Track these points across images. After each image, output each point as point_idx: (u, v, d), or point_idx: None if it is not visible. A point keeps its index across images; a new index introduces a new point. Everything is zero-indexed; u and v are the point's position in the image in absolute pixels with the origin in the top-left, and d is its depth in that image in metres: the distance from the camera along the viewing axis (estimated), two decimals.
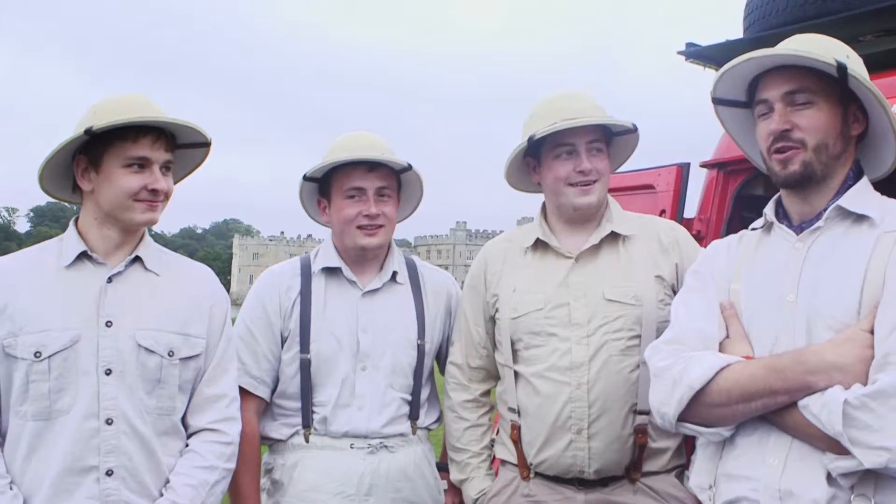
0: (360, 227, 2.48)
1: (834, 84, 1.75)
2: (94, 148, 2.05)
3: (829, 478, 1.57)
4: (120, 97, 2.12)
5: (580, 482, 2.29)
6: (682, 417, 1.74)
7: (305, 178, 2.55)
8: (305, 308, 2.49)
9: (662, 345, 1.85)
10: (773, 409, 1.65)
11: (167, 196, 2.12)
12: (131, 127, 2.02)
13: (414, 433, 2.52)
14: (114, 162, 2.04)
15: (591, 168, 2.31)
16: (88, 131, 2.00)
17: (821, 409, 1.55)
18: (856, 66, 1.76)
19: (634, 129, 2.39)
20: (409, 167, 2.51)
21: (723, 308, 1.85)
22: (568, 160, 2.32)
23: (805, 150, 1.75)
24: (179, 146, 2.17)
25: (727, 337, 1.82)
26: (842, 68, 1.70)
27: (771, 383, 1.63)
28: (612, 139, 2.43)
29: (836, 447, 1.55)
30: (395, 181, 2.55)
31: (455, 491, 2.63)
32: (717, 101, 1.97)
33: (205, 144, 2.22)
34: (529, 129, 2.35)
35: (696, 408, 1.72)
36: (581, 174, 2.31)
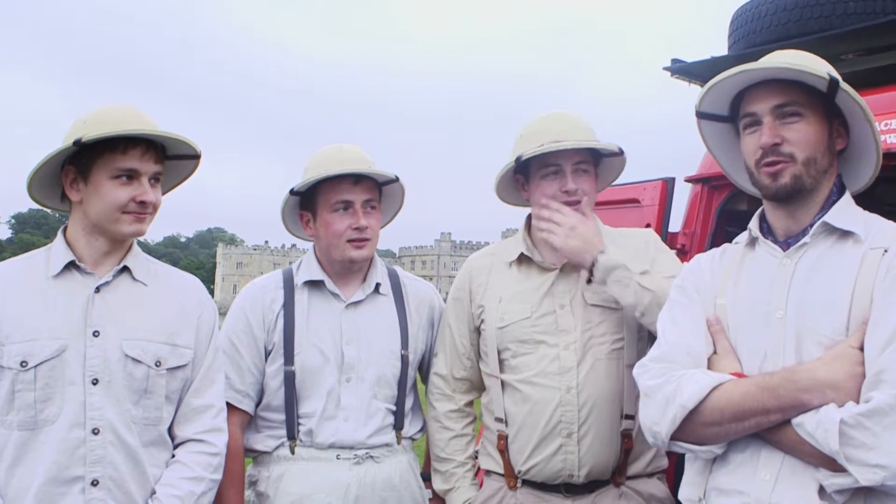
0: (350, 241, 2.49)
1: (820, 99, 1.77)
2: (82, 158, 2.05)
3: (821, 492, 1.58)
4: (110, 108, 2.11)
5: (567, 489, 2.31)
6: (675, 436, 1.74)
7: (292, 192, 2.54)
8: (289, 321, 2.49)
9: (651, 363, 1.84)
10: (767, 427, 1.65)
11: (155, 208, 2.12)
12: (121, 138, 2.02)
13: (399, 443, 2.53)
14: (102, 173, 2.04)
15: (576, 188, 2.36)
16: (78, 142, 2.00)
17: (816, 428, 1.55)
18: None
19: (621, 153, 2.42)
20: (396, 179, 2.53)
21: (709, 323, 1.85)
22: (554, 180, 2.37)
23: (795, 164, 1.75)
24: (169, 157, 2.17)
25: (714, 352, 1.82)
26: (833, 82, 1.71)
27: (764, 402, 1.63)
28: (600, 159, 2.47)
29: (830, 464, 1.55)
30: (378, 193, 2.57)
31: (439, 501, 2.64)
32: (700, 115, 1.97)
33: (195, 157, 2.22)
34: (519, 148, 2.40)
35: (689, 427, 1.71)
36: (566, 194, 2.36)
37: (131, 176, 2.05)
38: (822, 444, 1.54)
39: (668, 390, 1.74)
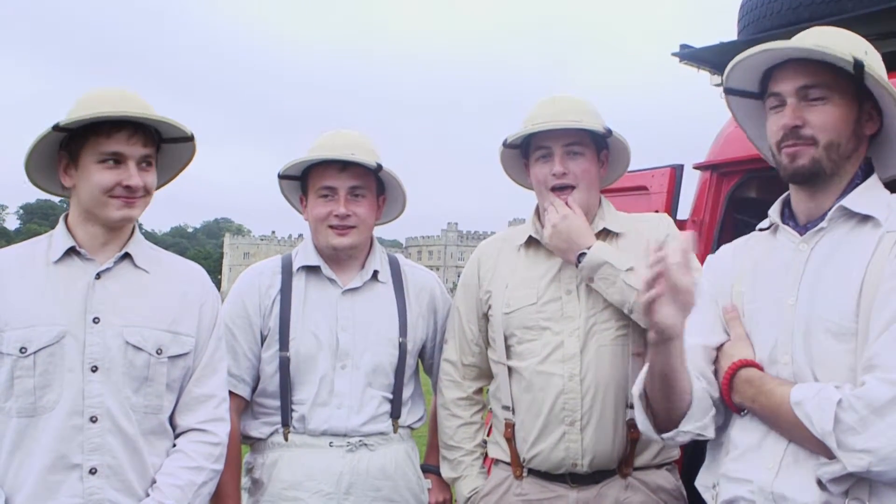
0: (331, 227, 2.47)
1: (850, 81, 1.70)
2: (72, 143, 2.03)
3: (821, 482, 1.57)
4: (97, 90, 2.08)
5: (572, 478, 2.29)
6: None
7: (280, 176, 2.55)
8: (285, 306, 2.48)
9: None
10: (769, 406, 1.65)
11: (148, 192, 2.08)
12: (105, 121, 1.99)
13: (395, 432, 2.51)
14: (89, 157, 2.02)
15: (565, 171, 2.33)
16: (56, 127, 1.98)
17: (814, 408, 1.54)
18: (874, 62, 1.72)
19: (609, 134, 2.35)
20: (380, 167, 2.48)
21: (725, 311, 1.85)
22: (545, 164, 2.36)
23: (816, 148, 1.70)
24: (165, 141, 2.14)
25: (729, 339, 1.81)
26: (859, 65, 1.65)
27: None
28: (604, 143, 2.42)
29: (824, 450, 1.54)
30: (373, 181, 2.54)
31: (439, 491, 2.63)
32: (728, 91, 1.92)
33: (187, 139, 2.17)
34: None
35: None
36: (555, 177, 2.34)
37: (118, 160, 2.02)
38: (815, 425, 1.53)
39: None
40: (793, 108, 1.72)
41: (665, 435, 1.82)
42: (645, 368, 1.81)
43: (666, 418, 1.81)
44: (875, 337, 1.55)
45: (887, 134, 1.79)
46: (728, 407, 1.78)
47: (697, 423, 1.77)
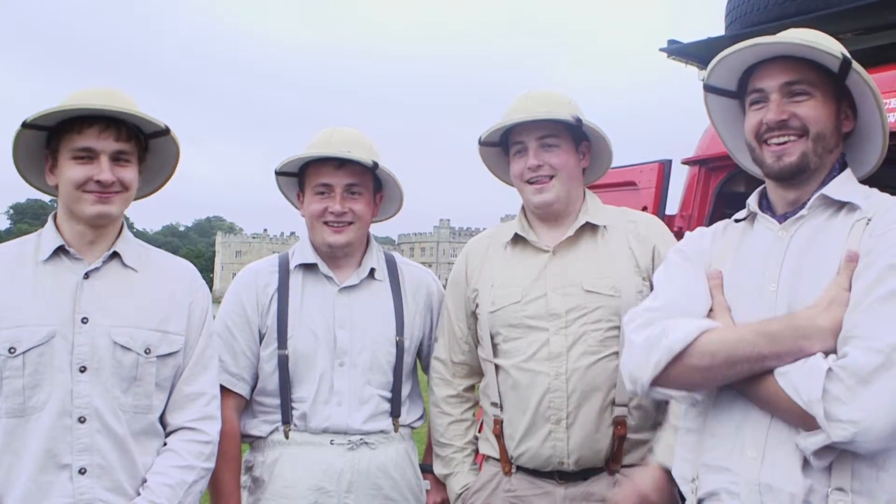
0: (326, 224, 2.48)
1: (829, 79, 1.74)
2: (52, 142, 2.04)
3: (805, 469, 1.58)
4: (83, 89, 2.08)
5: (560, 475, 2.30)
6: (656, 382, 1.71)
7: (277, 172, 2.55)
8: (283, 304, 2.48)
9: (641, 311, 1.83)
10: (751, 376, 1.63)
11: (125, 187, 2.06)
12: (77, 117, 1.99)
13: (396, 430, 2.51)
14: (64, 154, 2.03)
15: (539, 164, 2.33)
16: (24, 124, 2.00)
17: (802, 378, 1.54)
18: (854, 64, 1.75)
19: (578, 124, 2.33)
20: (376, 165, 2.47)
21: (709, 276, 1.84)
22: (521, 158, 2.37)
23: (806, 140, 1.73)
24: (151, 137, 2.13)
25: (711, 310, 1.80)
26: (846, 62, 1.69)
27: (760, 348, 1.61)
28: (582, 136, 2.40)
29: (807, 421, 1.54)
30: (370, 178, 2.53)
31: (438, 491, 2.63)
32: (707, 89, 1.94)
33: (164, 132, 2.13)
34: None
35: (675, 371, 1.68)
36: (530, 170, 2.34)
37: (91, 156, 2.01)
38: (802, 395, 1.53)
39: (652, 334, 1.72)
40: (777, 104, 1.75)
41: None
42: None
43: None
44: (853, 308, 1.56)
45: (860, 132, 1.83)
46: None
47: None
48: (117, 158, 2.04)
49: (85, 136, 2.00)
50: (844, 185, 1.76)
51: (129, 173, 2.07)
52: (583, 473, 2.29)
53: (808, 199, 1.76)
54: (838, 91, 1.76)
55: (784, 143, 1.75)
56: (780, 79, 1.75)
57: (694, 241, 1.97)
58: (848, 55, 1.71)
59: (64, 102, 2.01)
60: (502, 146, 2.47)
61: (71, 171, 2.01)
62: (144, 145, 2.14)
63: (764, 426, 1.65)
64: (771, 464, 1.62)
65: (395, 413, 2.52)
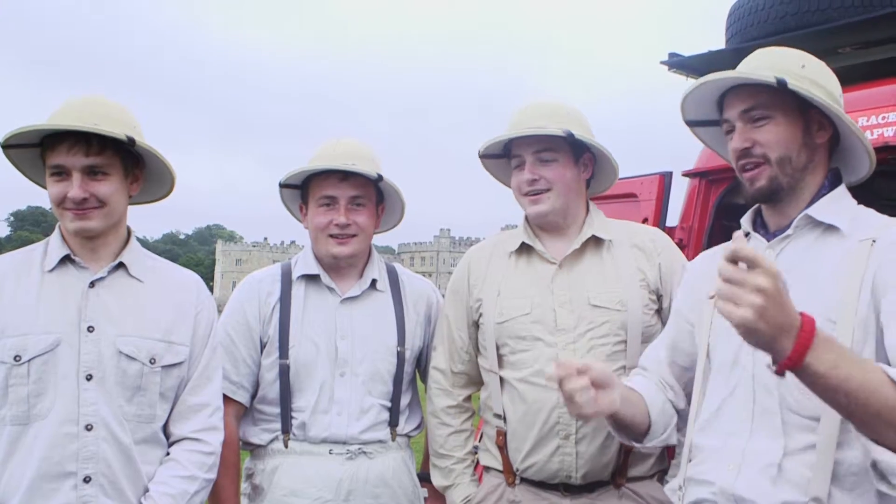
0: (331, 236, 2.48)
1: (791, 97, 1.75)
2: (42, 155, 2.05)
3: (776, 484, 1.61)
4: (66, 100, 2.07)
5: (566, 488, 2.29)
6: None
7: (281, 185, 2.56)
8: (285, 314, 2.49)
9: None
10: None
11: (101, 202, 2.02)
12: (48, 135, 2.00)
13: (393, 440, 2.51)
14: (47, 170, 2.04)
15: (535, 177, 2.33)
16: (2, 145, 2.02)
17: None
18: (811, 74, 1.76)
19: (569, 136, 2.27)
20: (380, 178, 2.48)
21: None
22: (520, 172, 2.37)
23: (769, 166, 1.76)
24: (133, 150, 2.08)
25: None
26: (781, 83, 1.70)
27: None
28: (583, 148, 2.37)
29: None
30: (373, 190, 2.54)
31: (435, 500, 2.62)
32: (690, 124, 1.99)
33: (131, 144, 2.04)
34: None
35: None
36: (527, 184, 2.35)
37: (64, 172, 2.00)
38: None
39: None
40: (740, 132, 1.79)
41: (636, 445, 1.97)
42: None
43: (632, 434, 1.95)
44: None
45: (845, 139, 1.83)
46: (793, 365, 1.45)
47: (658, 438, 1.96)
48: (94, 172, 2.01)
49: (56, 153, 2.00)
50: (833, 206, 1.76)
51: (105, 187, 2.02)
52: (588, 487, 2.28)
53: (795, 218, 1.78)
54: (803, 105, 1.76)
55: (752, 169, 1.78)
56: (738, 107, 1.79)
57: (693, 272, 2.08)
58: (782, 78, 1.70)
59: (51, 116, 2.01)
60: (506, 156, 2.46)
61: (50, 189, 2.02)
62: (138, 154, 2.12)
63: (742, 443, 1.70)
64: (745, 478, 1.66)
65: (393, 422, 2.52)
